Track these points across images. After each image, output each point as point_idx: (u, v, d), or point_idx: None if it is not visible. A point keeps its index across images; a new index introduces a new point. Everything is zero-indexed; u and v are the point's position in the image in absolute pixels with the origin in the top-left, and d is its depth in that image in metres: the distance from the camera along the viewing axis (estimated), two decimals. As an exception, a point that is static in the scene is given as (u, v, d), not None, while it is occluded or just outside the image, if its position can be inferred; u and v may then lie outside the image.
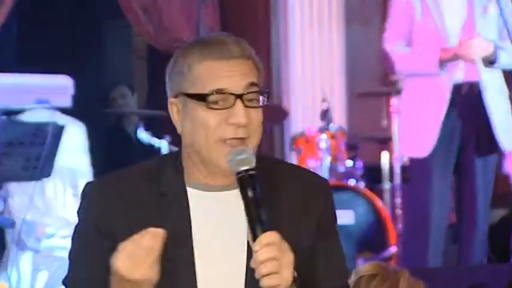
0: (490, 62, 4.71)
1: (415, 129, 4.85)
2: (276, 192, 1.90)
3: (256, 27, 7.13)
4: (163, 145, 5.59)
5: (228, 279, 1.86)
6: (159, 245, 1.71)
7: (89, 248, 1.83)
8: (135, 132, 6.07)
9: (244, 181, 1.78)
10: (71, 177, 4.96)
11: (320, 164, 5.61)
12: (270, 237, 1.75)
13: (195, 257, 1.84)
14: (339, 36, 7.16)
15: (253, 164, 1.78)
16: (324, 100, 5.93)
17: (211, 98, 1.78)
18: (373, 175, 5.95)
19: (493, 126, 4.72)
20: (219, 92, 1.77)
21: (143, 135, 5.78)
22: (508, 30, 4.70)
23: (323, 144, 5.60)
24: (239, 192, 1.82)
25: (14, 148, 4.73)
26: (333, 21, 7.15)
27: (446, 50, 4.67)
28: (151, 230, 1.72)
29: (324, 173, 5.57)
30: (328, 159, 5.61)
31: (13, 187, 5.13)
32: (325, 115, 5.73)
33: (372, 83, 6.79)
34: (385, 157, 5.80)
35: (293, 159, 6.03)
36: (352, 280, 2.80)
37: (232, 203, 1.86)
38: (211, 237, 1.87)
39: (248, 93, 1.79)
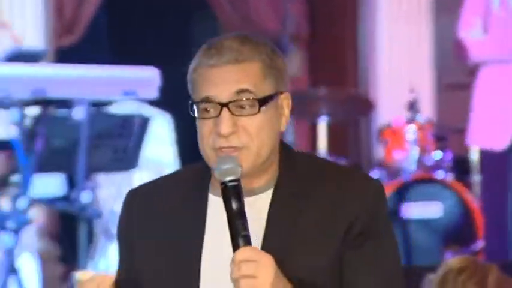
0: None
1: (491, 120, 4.77)
2: (303, 201, 1.82)
3: (344, 19, 7.08)
4: None
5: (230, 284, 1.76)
6: None
7: (119, 255, 1.87)
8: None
9: (227, 192, 1.73)
10: (157, 168, 5.04)
11: (407, 156, 5.51)
12: (244, 253, 1.70)
13: (201, 260, 1.80)
14: (428, 27, 7.05)
15: (238, 174, 1.73)
16: (411, 91, 5.78)
17: (201, 106, 1.75)
18: (462, 167, 5.83)
19: None
20: (206, 100, 1.73)
21: None
22: None
23: (410, 136, 5.49)
24: (255, 200, 1.81)
25: (102, 140, 4.80)
26: (421, 12, 6.97)
27: None
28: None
29: (412, 165, 5.47)
30: (415, 151, 5.50)
31: (101, 178, 5.22)
32: (413, 106, 5.60)
33: (461, 74, 6.41)
34: (474, 149, 5.63)
35: (380, 151, 6.02)
36: (440, 274, 2.77)
37: (247, 209, 1.80)
38: (221, 243, 1.80)
39: (235, 101, 1.74)
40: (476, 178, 5.72)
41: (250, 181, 1.81)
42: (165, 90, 4.78)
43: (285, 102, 1.82)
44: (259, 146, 1.79)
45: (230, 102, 1.71)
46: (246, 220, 1.70)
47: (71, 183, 5.32)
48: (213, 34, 8.43)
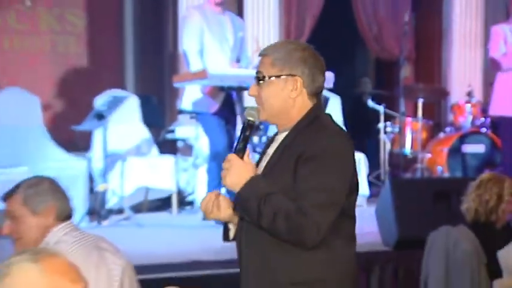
0: None
1: (504, 98, 5.94)
2: (293, 142, 2.19)
3: (433, 45, 8.67)
4: (381, 109, 7.36)
5: None
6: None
7: None
8: (367, 102, 7.69)
9: (245, 124, 2.20)
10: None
11: (466, 120, 7.07)
12: (230, 155, 2.16)
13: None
14: (480, 50, 8.37)
15: (254, 117, 2.18)
16: (469, 86, 7.45)
17: None
18: (494, 126, 7.01)
19: None
20: None
21: (371, 104, 7.53)
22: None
23: (468, 109, 7.13)
24: (279, 136, 2.27)
25: None
26: (477, 41, 8.40)
27: None
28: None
29: (468, 124, 7.03)
30: (470, 117, 7.10)
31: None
32: (469, 94, 7.25)
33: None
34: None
35: (451, 117, 7.50)
36: (476, 181, 3.74)
37: (278, 141, 2.26)
38: (263, 163, 2.26)
39: (255, 76, 2.22)
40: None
41: (278, 125, 2.27)
42: (336, 85, 5.38)
43: (290, 81, 2.19)
44: (269, 107, 2.22)
45: (255, 77, 2.22)
46: (243, 141, 2.19)
47: None
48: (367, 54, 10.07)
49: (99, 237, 2.55)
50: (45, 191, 2.48)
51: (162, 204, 6.57)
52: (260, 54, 2.25)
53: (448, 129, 7.47)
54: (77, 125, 6.00)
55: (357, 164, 2.27)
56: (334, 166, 2.09)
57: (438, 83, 8.62)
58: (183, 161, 6.49)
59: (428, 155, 7.20)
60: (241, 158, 2.16)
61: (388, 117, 7.59)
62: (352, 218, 2.23)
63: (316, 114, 2.22)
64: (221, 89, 5.52)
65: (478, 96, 7.67)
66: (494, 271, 3.47)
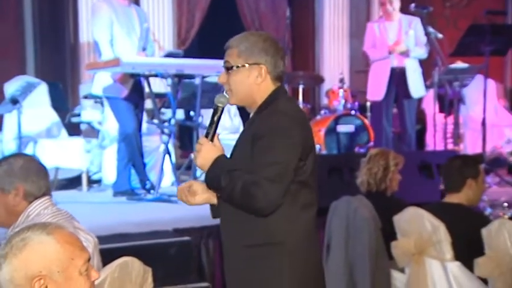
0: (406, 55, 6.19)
1: (376, 81, 6.30)
2: (253, 123, 2.25)
3: (308, 39, 8.92)
4: None
5: None
6: None
7: None
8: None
9: (214, 110, 2.20)
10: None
11: (339, 104, 7.18)
12: (201, 138, 2.20)
13: None
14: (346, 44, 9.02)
15: (223, 104, 2.19)
16: (341, 73, 7.64)
17: None
18: (362, 109, 7.40)
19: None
20: None
21: None
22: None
23: (340, 94, 7.26)
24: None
25: (206, 93, 5.52)
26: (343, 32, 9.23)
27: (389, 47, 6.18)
28: None
29: (341, 107, 7.11)
30: (342, 101, 7.22)
31: (203, 112, 5.83)
32: (341, 80, 7.37)
33: (362, 65, 7.95)
34: (368, 100, 7.04)
35: (326, 101, 7.62)
36: (366, 158, 3.87)
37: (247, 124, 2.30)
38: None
39: (224, 65, 2.25)
40: (369, 114, 7.32)
41: (249, 109, 2.30)
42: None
43: (255, 69, 2.22)
44: (238, 92, 2.25)
45: (224, 66, 2.25)
46: (213, 125, 2.20)
47: (188, 114, 6.75)
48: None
49: (70, 215, 2.45)
50: (14, 171, 2.36)
51: (69, 183, 6.39)
52: (226, 47, 2.27)
53: (323, 111, 7.59)
54: (-10, 109, 5.70)
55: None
56: (278, 142, 2.11)
57: (312, 71, 8.76)
58: (86, 143, 6.36)
59: (307, 135, 7.21)
60: (211, 140, 2.19)
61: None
62: (309, 187, 2.26)
63: (275, 98, 2.25)
64: (131, 75, 5.42)
65: (347, 82, 7.84)
66: (389, 234, 3.55)
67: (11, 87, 5.81)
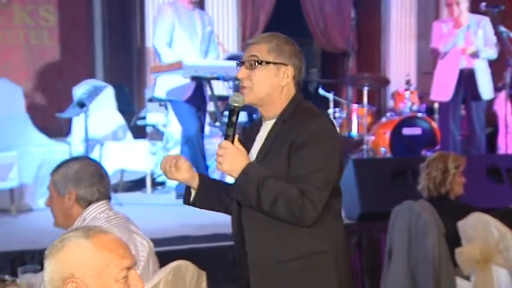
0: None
1: (443, 83, 6.01)
2: (283, 129, 2.13)
3: (374, 39, 8.79)
4: (331, 96, 7.32)
5: None
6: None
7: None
8: (317, 90, 7.59)
9: (231, 111, 2.08)
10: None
11: (405, 106, 7.09)
12: (224, 143, 2.07)
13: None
14: (413, 43, 8.51)
15: (239, 103, 2.07)
16: (407, 75, 7.42)
17: None
18: (430, 111, 7.30)
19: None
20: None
21: (322, 92, 7.42)
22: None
23: (407, 96, 7.13)
24: (267, 123, 2.17)
25: None
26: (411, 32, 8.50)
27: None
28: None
29: (407, 109, 7.01)
30: (409, 103, 7.10)
31: None
32: (408, 82, 7.20)
33: (430, 67, 7.21)
34: (436, 100, 6.63)
35: (392, 103, 7.57)
36: (425, 163, 3.78)
37: (262, 128, 2.19)
38: (254, 150, 2.20)
39: (247, 60, 2.12)
40: (436, 116, 7.09)
41: (263, 111, 2.16)
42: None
43: (283, 69, 2.13)
44: (257, 90, 2.12)
45: (245, 61, 2.12)
46: (231, 127, 2.07)
47: (251, 116, 5.99)
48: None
49: (128, 218, 2.46)
50: (69, 175, 2.40)
51: (134, 185, 6.47)
52: (253, 43, 2.17)
53: (388, 114, 7.50)
54: (60, 112, 5.90)
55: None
56: (324, 148, 2.05)
57: (378, 73, 8.63)
58: (152, 145, 6.38)
59: (373, 138, 7.21)
60: (232, 142, 2.09)
61: (335, 104, 7.56)
62: (340, 195, 2.20)
63: (299, 102, 2.16)
64: (193, 78, 5.45)
65: (413, 83, 7.73)
66: (453, 240, 3.46)
67: (79, 91, 5.94)
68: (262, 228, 2.09)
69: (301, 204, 2.00)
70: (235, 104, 2.06)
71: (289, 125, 2.09)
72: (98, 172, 2.45)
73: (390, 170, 4.66)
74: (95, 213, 2.39)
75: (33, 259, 3.55)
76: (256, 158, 2.12)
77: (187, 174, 2.19)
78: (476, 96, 6.15)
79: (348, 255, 2.32)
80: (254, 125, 2.25)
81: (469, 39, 6.12)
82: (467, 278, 3.49)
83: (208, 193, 2.23)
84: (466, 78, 6.13)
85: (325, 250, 2.11)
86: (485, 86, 6.16)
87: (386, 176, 4.59)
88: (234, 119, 2.05)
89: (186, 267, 2.30)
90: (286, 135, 2.08)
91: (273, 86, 2.10)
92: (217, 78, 5.36)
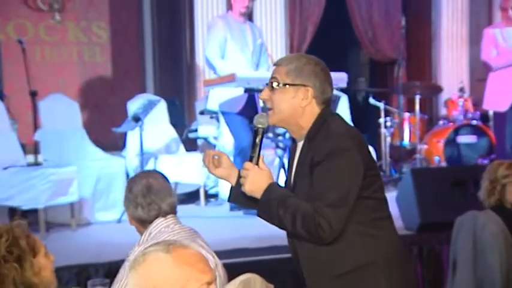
0: None
1: (498, 93, 5.83)
2: (309, 148, 2.15)
3: (425, 47, 8.55)
4: (381, 105, 7.23)
5: None
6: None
7: None
8: (367, 99, 7.57)
9: (255, 132, 2.11)
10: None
11: (459, 113, 6.93)
12: (246, 164, 2.11)
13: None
14: (466, 51, 8.19)
15: (264, 124, 2.10)
16: (460, 82, 7.34)
17: None
18: (485, 119, 7.06)
19: None
20: None
21: (372, 101, 7.37)
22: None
23: (460, 104, 7.03)
24: (298, 144, 2.21)
25: None
26: (463, 40, 8.26)
27: None
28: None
29: (461, 117, 6.85)
30: (462, 111, 6.97)
31: None
32: (461, 89, 7.09)
33: (482, 75, 6.67)
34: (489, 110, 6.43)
35: (445, 110, 7.43)
36: (485, 172, 3.58)
37: (298, 148, 2.21)
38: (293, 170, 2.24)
39: (270, 82, 2.18)
40: (491, 123, 6.91)
41: (291, 132, 2.23)
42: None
43: (302, 90, 2.14)
44: (280, 111, 2.15)
45: (268, 83, 2.18)
46: (256, 148, 2.11)
47: None
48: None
49: (195, 232, 2.44)
50: (133, 194, 2.45)
51: (187, 197, 6.48)
52: (275, 64, 2.20)
53: (441, 122, 7.37)
54: (113, 127, 5.94)
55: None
56: (338, 165, 2.04)
57: (429, 81, 8.50)
58: (203, 158, 6.36)
59: (425, 147, 7.08)
60: (257, 163, 2.12)
61: (386, 113, 7.48)
62: (382, 204, 2.19)
63: (324, 120, 2.16)
64: (245, 90, 5.43)
65: (468, 91, 7.66)
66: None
67: (134, 105, 5.99)
68: (304, 245, 2.15)
69: (317, 222, 2.02)
70: (260, 126, 2.09)
71: (313, 145, 2.12)
72: (160, 189, 2.48)
73: (450, 179, 4.56)
74: (160, 227, 2.42)
75: (98, 272, 3.62)
76: (294, 178, 2.18)
77: (225, 172, 2.22)
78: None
79: (408, 266, 2.30)
80: (294, 145, 2.28)
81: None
82: (537, 291, 3.37)
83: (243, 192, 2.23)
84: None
85: (373, 261, 2.10)
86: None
87: (446, 186, 4.48)
88: (258, 140, 2.07)
89: (254, 280, 2.24)
90: (308, 155, 2.11)
91: (293, 107, 2.12)
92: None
